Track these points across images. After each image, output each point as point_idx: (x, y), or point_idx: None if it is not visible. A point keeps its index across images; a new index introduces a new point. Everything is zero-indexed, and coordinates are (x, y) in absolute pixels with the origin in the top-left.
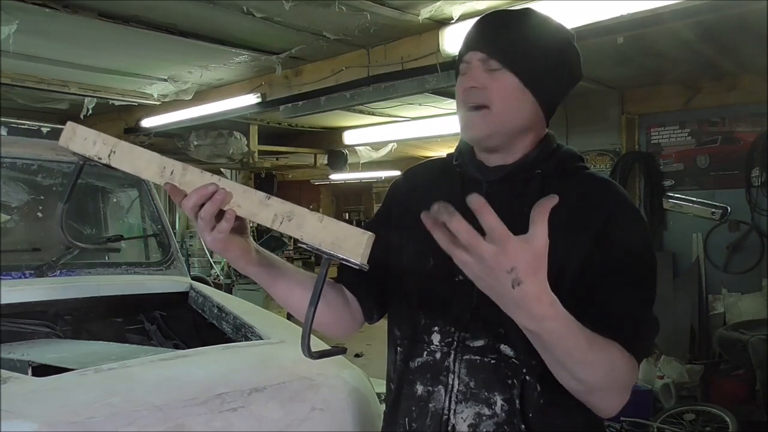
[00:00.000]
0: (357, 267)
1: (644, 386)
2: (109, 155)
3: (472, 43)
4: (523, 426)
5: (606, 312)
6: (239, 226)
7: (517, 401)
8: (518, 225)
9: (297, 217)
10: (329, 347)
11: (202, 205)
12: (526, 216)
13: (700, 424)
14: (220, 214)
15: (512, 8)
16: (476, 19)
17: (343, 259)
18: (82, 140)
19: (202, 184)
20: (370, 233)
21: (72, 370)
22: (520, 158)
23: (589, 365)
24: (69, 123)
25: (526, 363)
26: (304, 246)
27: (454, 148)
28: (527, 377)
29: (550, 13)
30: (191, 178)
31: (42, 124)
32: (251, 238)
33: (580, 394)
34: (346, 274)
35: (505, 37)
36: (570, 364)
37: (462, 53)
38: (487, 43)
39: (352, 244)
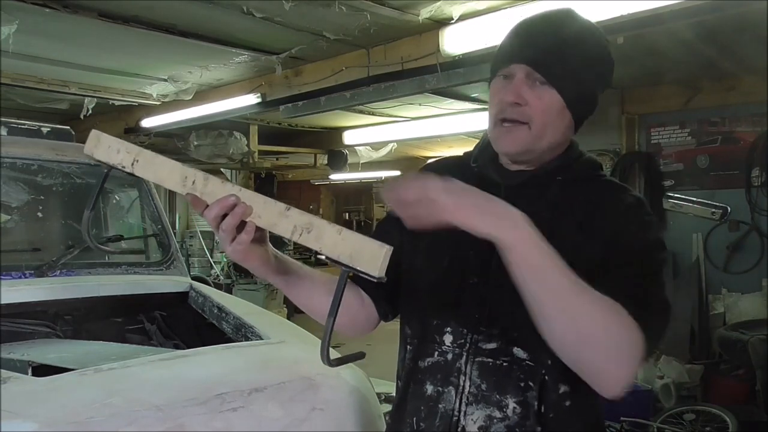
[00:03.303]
0: (375, 280)
1: (644, 386)
2: (133, 164)
3: (516, 53)
4: (539, 428)
5: (612, 291)
6: (259, 236)
7: (535, 403)
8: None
9: (316, 229)
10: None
11: (224, 216)
12: (544, 220)
13: (700, 424)
14: (241, 225)
15: (552, 12)
16: (516, 23)
17: (361, 272)
18: (106, 148)
19: (223, 195)
20: (389, 246)
21: (72, 370)
22: (542, 165)
23: (574, 297)
24: (93, 131)
25: (543, 363)
26: (322, 258)
27: (473, 146)
28: (546, 377)
29: None
30: (212, 189)
31: (42, 124)
32: (270, 245)
33: (571, 347)
34: (363, 277)
35: (553, 50)
36: (552, 288)
37: (502, 62)
38: (533, 55)
39: (370, 257)
